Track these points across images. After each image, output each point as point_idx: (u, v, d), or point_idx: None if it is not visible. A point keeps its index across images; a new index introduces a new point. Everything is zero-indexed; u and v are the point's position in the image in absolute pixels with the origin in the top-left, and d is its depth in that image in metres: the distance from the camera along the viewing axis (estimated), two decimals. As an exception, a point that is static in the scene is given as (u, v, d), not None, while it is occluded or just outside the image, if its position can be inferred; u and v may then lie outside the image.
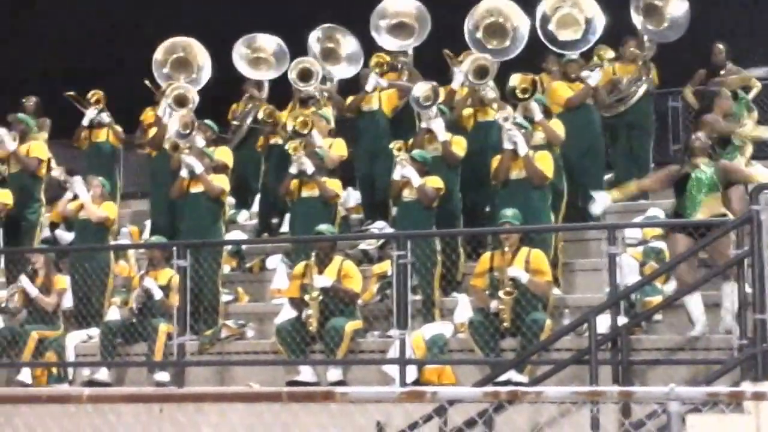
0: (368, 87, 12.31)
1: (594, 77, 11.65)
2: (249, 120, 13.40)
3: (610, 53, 12.04)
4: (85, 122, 13.16)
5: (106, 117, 13.13)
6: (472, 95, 11.69)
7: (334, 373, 9.97)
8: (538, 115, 10.91)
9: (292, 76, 12.41)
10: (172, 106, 12.22)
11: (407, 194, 10.84)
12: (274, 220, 12.85)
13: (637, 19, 12.12)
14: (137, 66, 13.66)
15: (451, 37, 12.55)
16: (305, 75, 12.40)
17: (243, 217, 13.31)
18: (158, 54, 13.24)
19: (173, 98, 12.27)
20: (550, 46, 12.21)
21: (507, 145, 10.37)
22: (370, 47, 12.94)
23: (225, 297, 11.26)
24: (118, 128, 13.26)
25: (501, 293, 9.58)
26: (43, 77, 17.79)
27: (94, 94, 13.09)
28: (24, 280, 11.03)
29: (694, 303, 9.16)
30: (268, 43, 13.47)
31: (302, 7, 17.77)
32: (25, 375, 10.76)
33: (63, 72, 18.35)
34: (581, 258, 10.94)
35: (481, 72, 11.46)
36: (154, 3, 19.68)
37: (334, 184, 11.38)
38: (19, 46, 20.11)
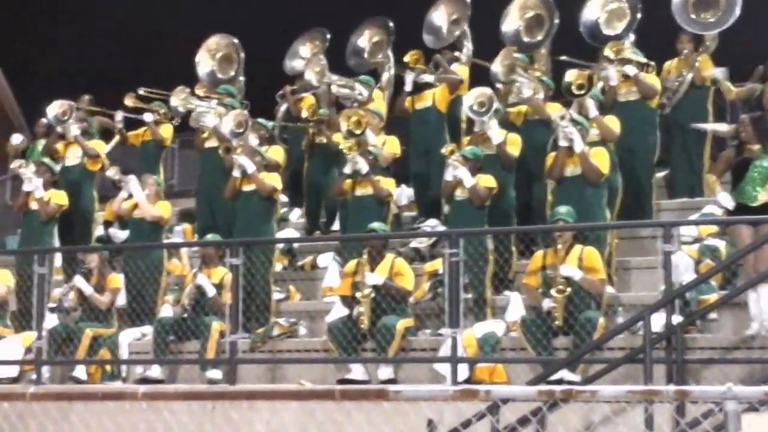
0: (407, 87, 12.32)
1: (611, 76, 11.46)
2: (279, 116, 13.49)
3: (627, 46, 11.83)
4: (119, 125, 13.36)
5: (148, 116, 13.24)
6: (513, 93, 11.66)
7: (385, 372, 9.95)
8: (594, 112, 10.79)
9: (309, 76, 12.44)
10: (176, 115, 12.67)
11: (459, 194, 10.79)
12: (322, 219, 12.89)
13: (678, 13, 11.92)
14: (184, 65, 13.84)
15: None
16: (322, 76, 12.44)
17: (295, 215, 13.36)
18: (205, 65, 13.41)
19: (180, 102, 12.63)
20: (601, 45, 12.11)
21: (563, 143, 10.28)
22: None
23: (276, 295, 11.28)
24: (160, 130, 13.32)
25: (553, 291, 9.51)
26: (88, 77, 18.02)
27: (129, 98, 13.27)
28: (79, 280, 11.14)
29: (753, 301, 9.05)
30: (308, 48, 13.62)
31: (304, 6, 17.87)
32: (80, 371, 10.88)
33: (102, 73, 18.58)
34: (636, 256, 10.83)
35: (510, 70, 11.36)
36: (198, 2, 19.82)
37: (387, 183, 11.37)
38: (63, 47, 20.37)
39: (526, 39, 12.29)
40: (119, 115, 13.34)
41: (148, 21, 19.57)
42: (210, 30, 14.06)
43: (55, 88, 13.97)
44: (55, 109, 12.71)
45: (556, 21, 12.26)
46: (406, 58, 12.48)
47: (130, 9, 20.14)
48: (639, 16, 11.84)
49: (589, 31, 12.06)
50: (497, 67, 11.60)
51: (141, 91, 13.33)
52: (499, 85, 11.84)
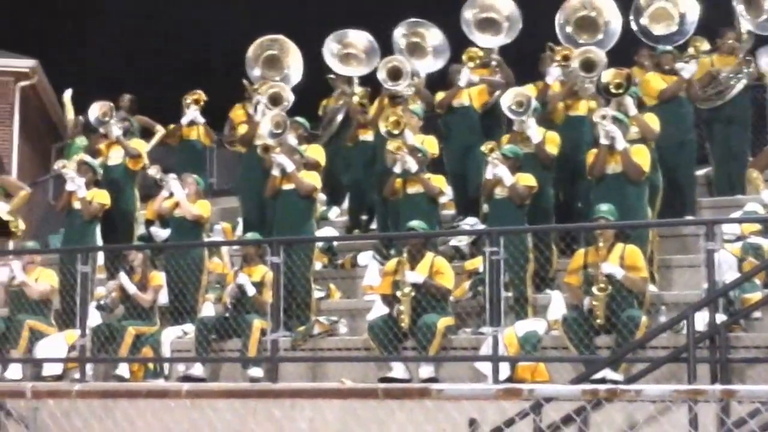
0: (461, 82, 12.22)
1: (688, 69, 11.46)
2: (340, 116, 13.46)
3: (706, 45, 11.82)
4: (184, 121, 13.40)
5: (200, 117, 13.32)
6: (568, 90, 11.60)
7: (426, 370, 9.95)
8: (633, 110, 10.76)
9: (382, 74, 12.36)
10: (267, 105, 12.31)
11: (499, 192, 10.78)
12: (364, 217, 12.91)
13: (737, 9, 11.91)
14: (224, 63, 13.88)
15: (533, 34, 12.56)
16: (395, 74, 12.37)
17: (334, 213, 13.39)
18: (250, 51, 13.36)
19: (269, 97, 12.37)
20: (644, 40, 12.06)
21: (604, 141, 10.25)
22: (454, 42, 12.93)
23: (317, 293, 11.31)
24: (209, 128, 13.46)
25: (595, 289, 9.47)
26: (133, 75, 18.13)
27: (194, 94, 13.30)
28: (123, 277, 11.22)
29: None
30: (359, 38, 13.54)
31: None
32: (122, 369, 10.94)
33: (150, 70, 18.67)
34: (678, 254, 10.78)
35: (587, 65, 11.34)
36: (246, 1, 19.89)
37: (438, 180, 11.38)
38: (111, 46, 20.51)
39: (576, 38, 12.20)
40: (192, 113, 13.31)
41: (236, 19, 19.65)
42: (249, 29, 14.11)
43: (90, 88, 14.11)
44: (95, 110, 12.78)
45: (615, 27, 12.10)
46: (464, 56, 12.35)
47: (221, 8, 20.21)
48: (698, 15, 11.76)
49: (641, 30, 11.98)
50: (576, 63, 11.43)
51: (245, 82, 13.21)
52: (551, 81, 11.80)
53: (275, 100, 12.35)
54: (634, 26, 11.92)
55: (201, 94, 13.29)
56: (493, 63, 12.54)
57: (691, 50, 11.66)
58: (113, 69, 19.93)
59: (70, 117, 14.55)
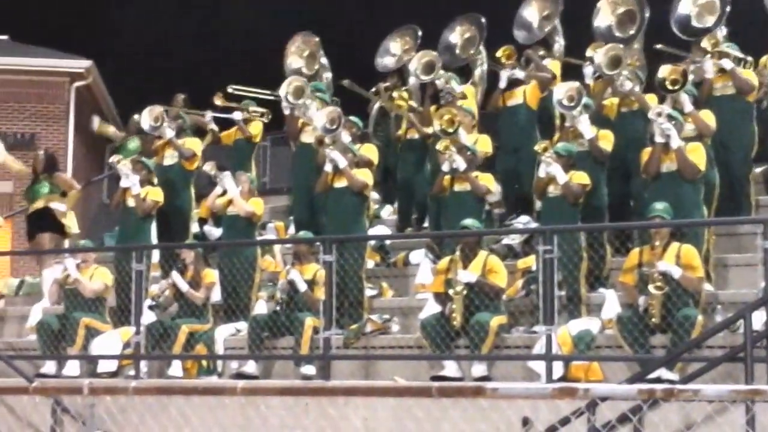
0: (501, 83, 12.30)
1: (707, 69, 11.30)
2: (374, 110, 13.55)
3: (717, 40, 11.62)
4: (210, 125, 13.56)
5: (237, 115, 13.43)
6: (610, 86, 11.54)
7: (478, 369, 9.92)
8: (689, 107, 10.66)
9: (414, 68, 12.45)
10: (290, 99, 12.63)
11: (552, 190, 10.72)
12: (414, 216, 12.90)
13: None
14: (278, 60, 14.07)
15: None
16: (428, 68, 12.41)
17: (387, 212, 13.40)
18: (293, 62, 13.68)
19: (292, 91, 12.64)
20: (694, 39, 11.98)
21: (659, 139, 10.15)
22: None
23: (369, 292, 11.32)
24: (249, 127, 13.54)
25: (651, 288, 9.39)
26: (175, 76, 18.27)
27: (216, 97, 13.52)
28: (175, 276, 11.30)
29: None
30: (402, 38, 13.69)
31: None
32: (175, 369, 10.99)
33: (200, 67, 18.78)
34: (735, 253, 10.65)
35: (614, 62, 11.29)
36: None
37: (486, 179, 11.34)
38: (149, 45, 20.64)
39: (618, 34, 12.19)
40: (208, 115, 13.55)
41: (287, 15, 19.82)
42: (298, 28, 14.27)
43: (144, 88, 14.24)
44: (147, 117, 12.86)
45: (647, 15, 12.14)
46: (499, 54, 12.44)
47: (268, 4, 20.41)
48: (728, 8, 11.66)
49: (680, 25, 11.92)
50: (601, 58, 11.47)
51: (230, 89, 13.51)
52: (589, 81, 11.75)
53: (298, 93, 12.67)
54: (680, 31, 11.80)
55: (216, 97, 13.46)
56: (524, 60, 12.53)
57: (708, 46, 11.44)
58: (161, 66, 20.06)
59: (113, 132, 14.80)
